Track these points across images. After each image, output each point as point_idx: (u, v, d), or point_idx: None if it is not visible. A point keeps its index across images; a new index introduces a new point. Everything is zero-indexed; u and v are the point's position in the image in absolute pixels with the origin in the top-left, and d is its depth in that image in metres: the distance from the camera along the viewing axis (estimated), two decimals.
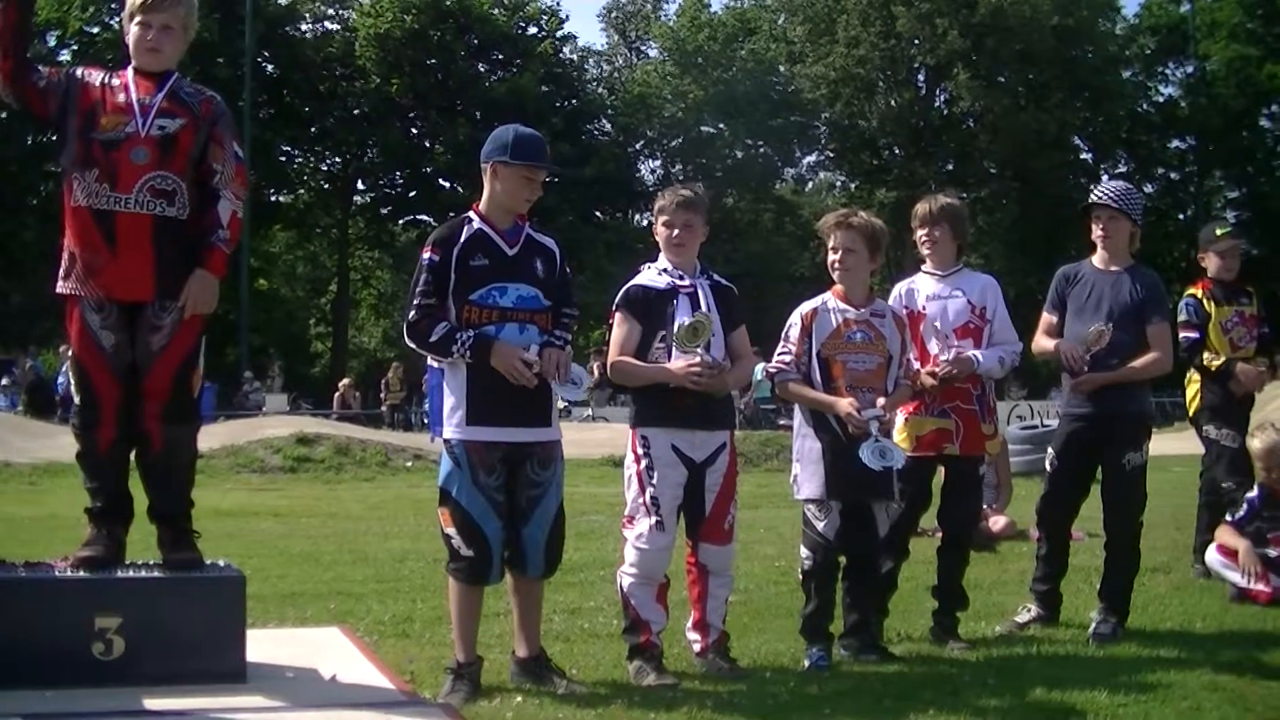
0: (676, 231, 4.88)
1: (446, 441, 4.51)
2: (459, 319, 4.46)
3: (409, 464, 16.35)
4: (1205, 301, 7.03)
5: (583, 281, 41.23)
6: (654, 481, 4.75)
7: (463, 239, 4.50)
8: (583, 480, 14.24)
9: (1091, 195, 5.74)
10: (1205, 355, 6.96)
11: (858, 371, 4.99)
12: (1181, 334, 6.88)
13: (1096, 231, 5.66)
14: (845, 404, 4.84)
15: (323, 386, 37.84)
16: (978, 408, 5.41)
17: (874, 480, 4.89)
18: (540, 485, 4.53)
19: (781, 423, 22.63)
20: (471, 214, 4.60)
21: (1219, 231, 7.29)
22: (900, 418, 5.31)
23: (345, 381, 29.99)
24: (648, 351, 4.80)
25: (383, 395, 28.02)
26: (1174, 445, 14.43)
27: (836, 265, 5.08)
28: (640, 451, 4.80)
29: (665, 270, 4.89)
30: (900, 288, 5.54)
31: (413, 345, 4.51)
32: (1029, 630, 5.60)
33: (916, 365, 5.30)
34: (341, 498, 13.20)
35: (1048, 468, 5.81)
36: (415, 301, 4.47)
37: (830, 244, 5.09)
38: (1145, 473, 5.57)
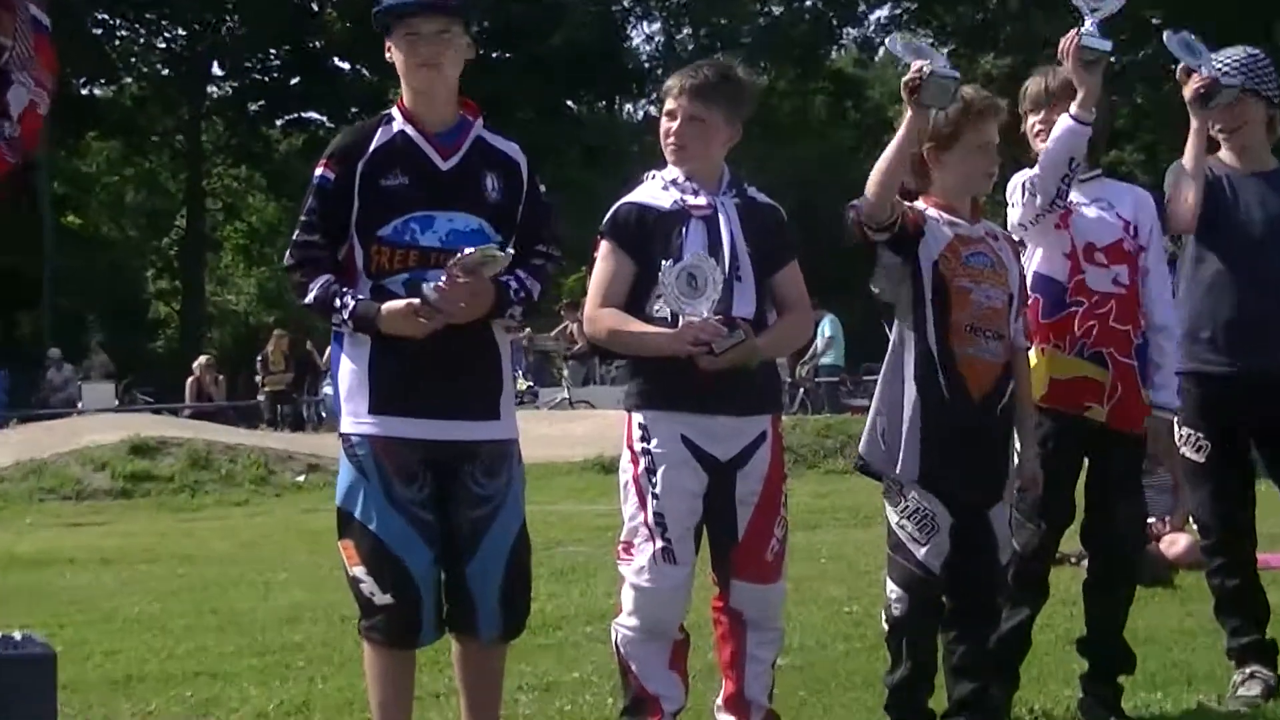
0: (676, 126, 4.90)
1: (344, 439, 4.55)
2: (367, 266, 4.51)
3: (301, 478, 16.40)
4: None
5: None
6: (658, 490, 4.77)
7: (373, 148, 4.56)
8: (559, 494, 14.25)
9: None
10: None
11: (983, 308, 5.07)
12: None
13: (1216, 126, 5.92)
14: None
15: (169, 368, 37.84)
16: (1136, 363, 5.49)
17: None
18: (488, 503, 4.54)
19: (853, 402, 22.70)
20: (394, 111, 4.67)
21: None
22: (1033, 352, 5.40)
23: (202, 360, 29.86)
24: (645, 303, 4.82)
25: (260, 378, 28.01)
26: None
27: (991, 171, 5.19)
28: (639, 448, 4.82)
29: (674, 183, 4.91)
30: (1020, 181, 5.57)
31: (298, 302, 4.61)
32: (1264, 708, 5.62)
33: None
34: (200, 533, 13.21)
35: (1190, 454, 5.94)
36: (295, 238, 4.56)
37: (976, 140, 5.14)
38: None
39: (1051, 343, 5.42)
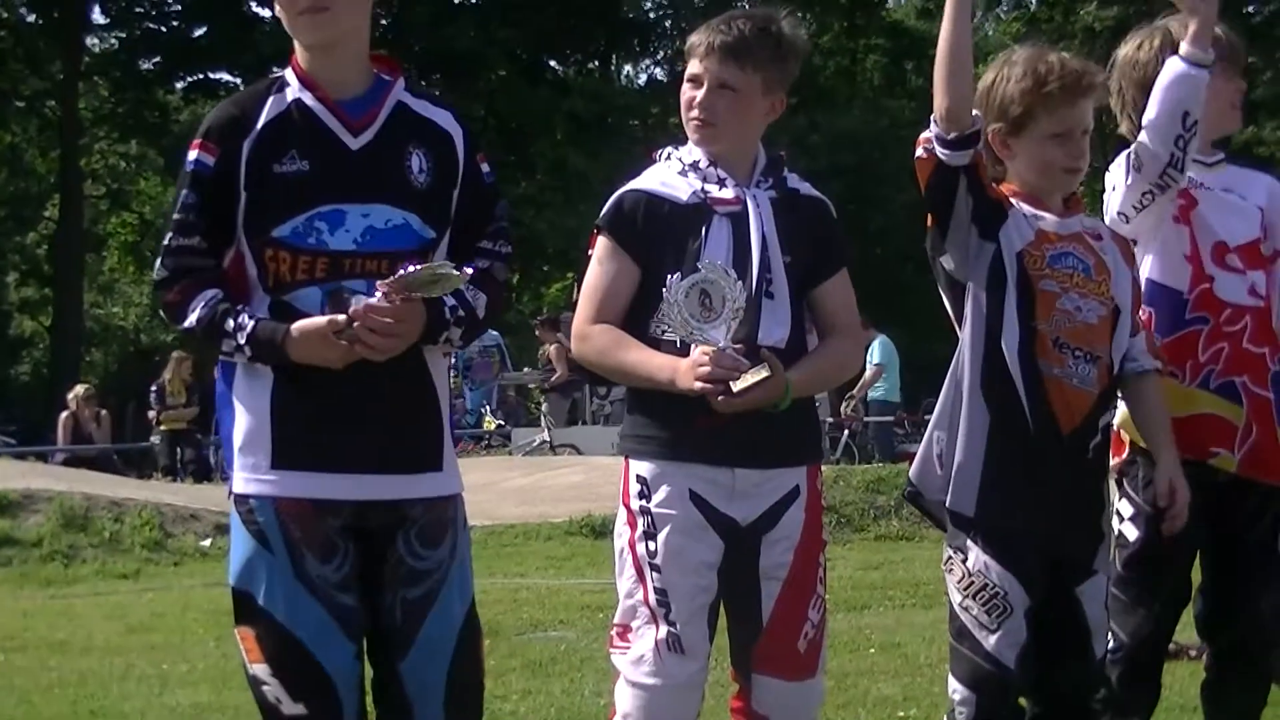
0: (702, 95, 4.92)
1: (238, 502, 4.50)
2: (263, 277, 4.46)
3: (206, 543, 16.35)
4: None
5: (528, 193, 40.99)
6: (659, 561, 4.80)
7: (261, 123, 4.49)
8: (536, 564, 14.24)
9: None
10: None
11: (1074, 321, 5.07)
12: None
13: None
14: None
15: (36, 400, 37.91)
16: (1274, 394, 5.49)
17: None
18: (427, 579, 4.54)
19: (910, 448, 22.66)
20: (287, 74, 4.60)
21: None
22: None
23: (80, 390, 29.91)
24: (649, 320, 4.85)
25: (155, 414, 27.98)
26: None
27: (1074, 166, 5.17)
28: (637, 506, 4.85)
29: (695, 167, 4.96)
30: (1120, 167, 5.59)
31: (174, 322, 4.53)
32: None
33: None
34: (77, 612, 13.19)
35: None
36: (166, 242, 4.48)
37: (1053, 127, 5.13)
38: None
39: (1167, 369, 5.39)
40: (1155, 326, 5.41)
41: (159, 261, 4.49)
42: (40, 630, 11.93)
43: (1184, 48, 5.23)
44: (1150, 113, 5.29)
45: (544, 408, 26.16)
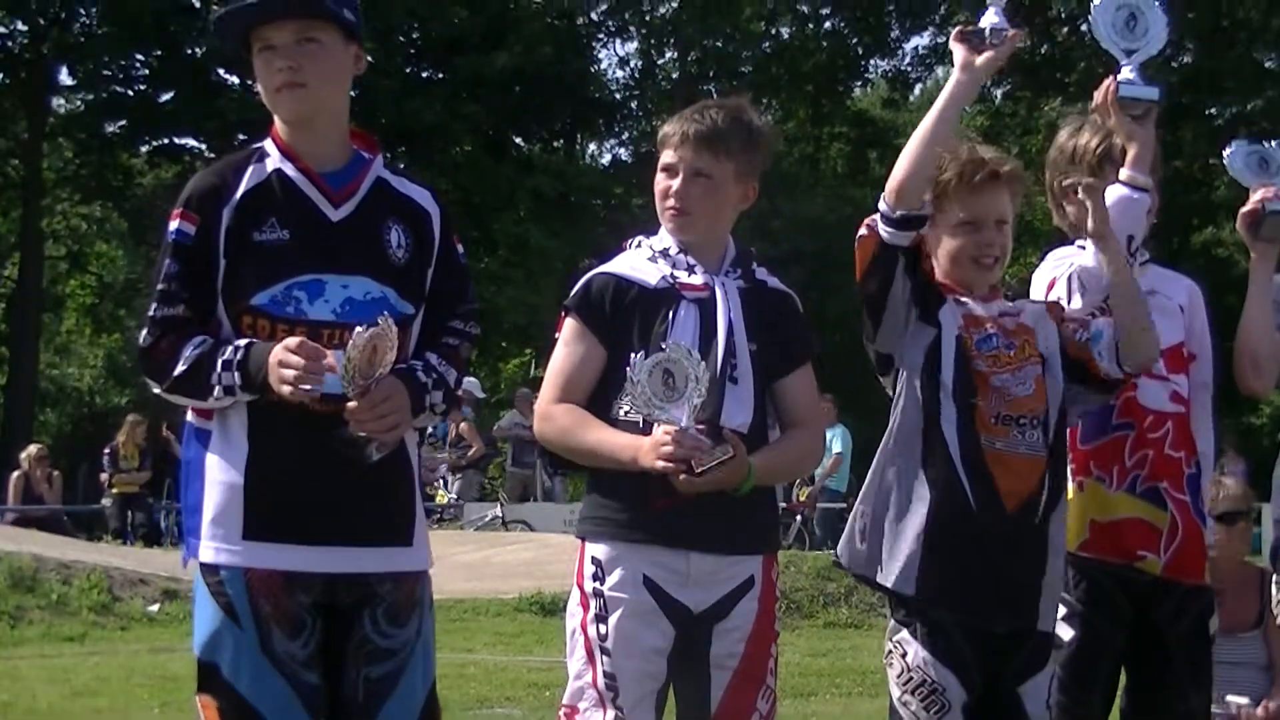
0: (678, 185, 4.96)
1: (206, 571, 4.51)
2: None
3: (154, 608, 16.26)
4: None
5: (489, 269, 40.97)
6: (609, 645, 4.80)
7: (241, 190, 4.53)
8: (485, 640, 14.19)
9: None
10: None
11: (1010, 395, 5.13)
12: None
13: None
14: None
15: None
16: (1190, 499, 5.55)
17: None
18: (391, 658, 4.56)
19: None
20: (267, 144, 4.65)
21: None
22: (1070, 485, 5.44)
23: (32, 450, 29.72)
24: (612, 399, 4.88)
25: (107, 476, 27.82)
26: None
27: (982, 255, 5.23)
28: (590, 588, 4.86)
29: (665, 254, 5.00)
30: (1050, 273, 5.63)
31: (155, 389, 4.54)
32: None
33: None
34: (21, 675, 13.10)
35: None
36: (151, 313, 4.51)
37: (960, 216, 5.21)
38: None
39: (1094, 475, 5.48)
40: (1080, 433, 5.50)
41: (144, 332, 4.51)
42: None
43: (1124, 172, 5.34)
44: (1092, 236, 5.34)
45: (502, 484, 26.03)
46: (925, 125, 5.04)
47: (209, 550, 4.48)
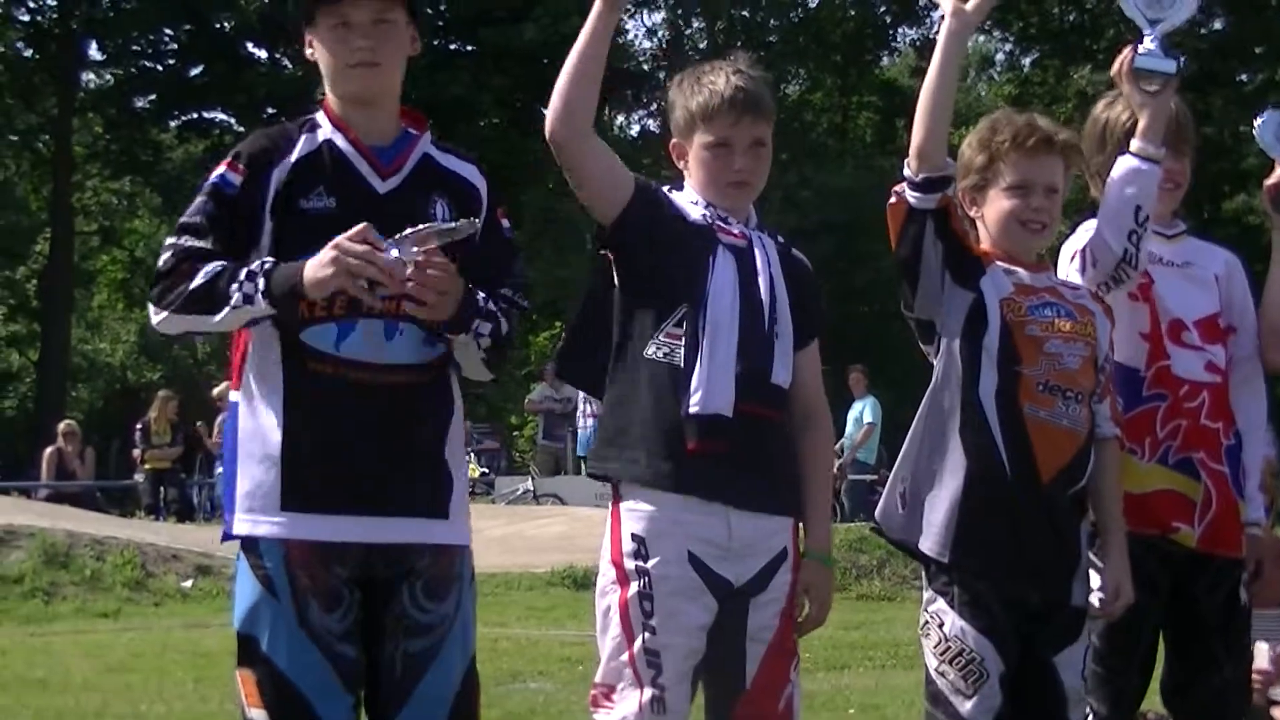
0: (740, 162, 4.93)
1: (245, 545, 4.52)
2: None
3: (187, 584, 16.33)
4: None
5: (517, 242, 40.65)
6: (654, 622, 4.77)
7: (295, 157, 4.56)
8: (517, 614, 14.23)
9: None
10: None
11: (1060, 365, 5.12)
12: None
13: None
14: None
15: (20, 435, 37.81)
16: (1228, 470, 5.54)
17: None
18: (430, 633, 4.57)
19: None
20: (319, 116, 4.68)
21: None
22: None
23: (65, 425, 29.87)
24: (643, 334, 4.84)
25: (139, 452, 27.87)
26: None
27: (1030, 219, 5.22)
28: (632, 566, 4.78)
29: (701, 204, 4.97)
30: (1079, 244, 5.60)
31: (159, 315, 4.49)
32: None
33: None
34: (56, 650, 13.16)
35: None
36: (175, 241, 4.50)
37: (1010, 179, 5.20)
38: None
39: (1125, 448, 5.44)
40: None
41: (164, 257, 4.50)
42: (18, 668, 11.94)
43: (1135, 142, 5.32)
44: (1103, 208, 5.36)
45: (534, 458, 26.06)
46: (929, 82, 5.07)
47: (245, 522, 4.49)
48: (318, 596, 4.45)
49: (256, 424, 4.51)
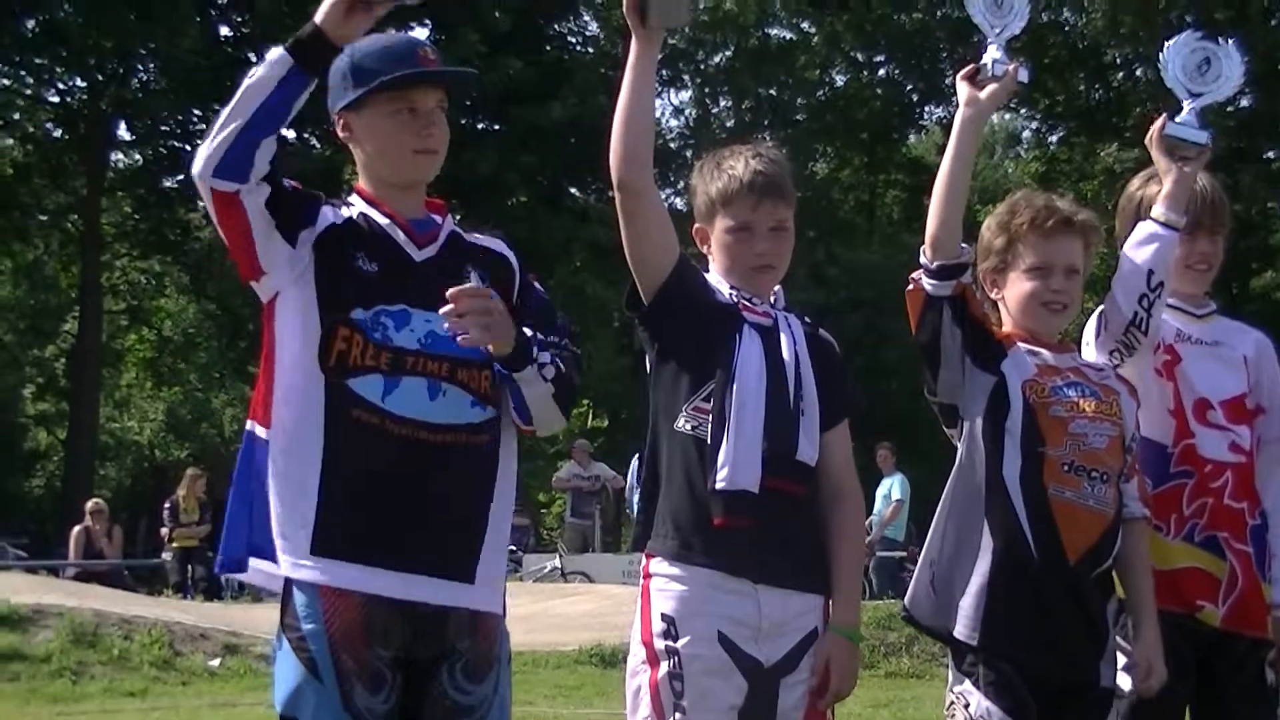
0: (761, 246, 4.96)
1: (286, 627, 4.49)
2: (325, 352, 4.47)
3: (215, 663, 16.30)
4: None
5: None
6: (685, 703, 4.75)
7: (326, 224, 4.58)
8: (544, 692, 14.19)
9: None
10: None
11: (1086, 445, 5.11)
12: None
13: None
14: None
15: (49, 514, 37.84)
16: (1253, 550, 5.54)
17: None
18: (470, 714, 4.58)
19: None
20: (352, 197, 4.74)
21: None
22: None
23: (93, 504, 29.92)
24: (678, 404, 4.85)
25: (167, 530, 27.88)
26: None
27: (1051, 300, 5.22)
28: (662, 647, 4.77)
29: (726, 284, 5.00)
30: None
31: (205, 170, 4.51)
32: None
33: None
34: None
35: None
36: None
37: (1030, 261, 5.22)
38: None
39: (1151, 524, 5.42)
40: None
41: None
42: None
43: (1156, 208, 5.34)
44: (1119, 271, 5.37)
45: (563, 535, 26.04)
46: (943, 171, 5.11)
47: (287, 563, 4.46)
48: (362, 679, 4.43)
49: (290, 466, 4.51)
